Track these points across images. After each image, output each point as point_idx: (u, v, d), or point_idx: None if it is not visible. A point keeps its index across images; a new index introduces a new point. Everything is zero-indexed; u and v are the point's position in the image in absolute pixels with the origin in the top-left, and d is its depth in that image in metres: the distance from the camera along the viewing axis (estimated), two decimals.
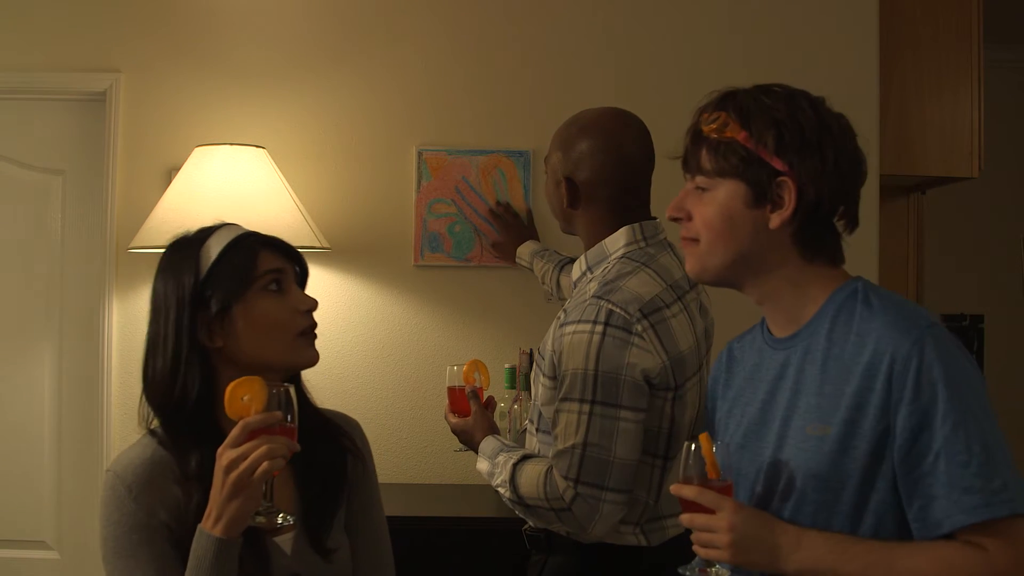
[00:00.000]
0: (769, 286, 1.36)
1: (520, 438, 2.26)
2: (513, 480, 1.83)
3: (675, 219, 1.40)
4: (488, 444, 1.94)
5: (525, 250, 2.85)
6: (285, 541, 1.49)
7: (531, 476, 1.80)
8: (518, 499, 1.82)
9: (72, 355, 3.11)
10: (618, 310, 1.75)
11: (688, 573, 1.34)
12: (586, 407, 1.74)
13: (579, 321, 1.77)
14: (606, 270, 1.86)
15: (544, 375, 1.86)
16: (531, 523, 1.92)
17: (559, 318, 1.86)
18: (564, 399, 1.77)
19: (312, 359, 1.55)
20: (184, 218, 2.37)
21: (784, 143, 1.30)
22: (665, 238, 1.94)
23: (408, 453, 3.05)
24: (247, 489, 1.30)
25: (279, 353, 1.50)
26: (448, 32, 3.10)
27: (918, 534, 1.23)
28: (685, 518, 1.31)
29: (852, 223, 1.37)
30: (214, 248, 1.50)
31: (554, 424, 1.79)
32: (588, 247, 1.93)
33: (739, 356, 1.48)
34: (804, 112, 1.31)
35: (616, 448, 1.73)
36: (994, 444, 1.20)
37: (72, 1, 3.05)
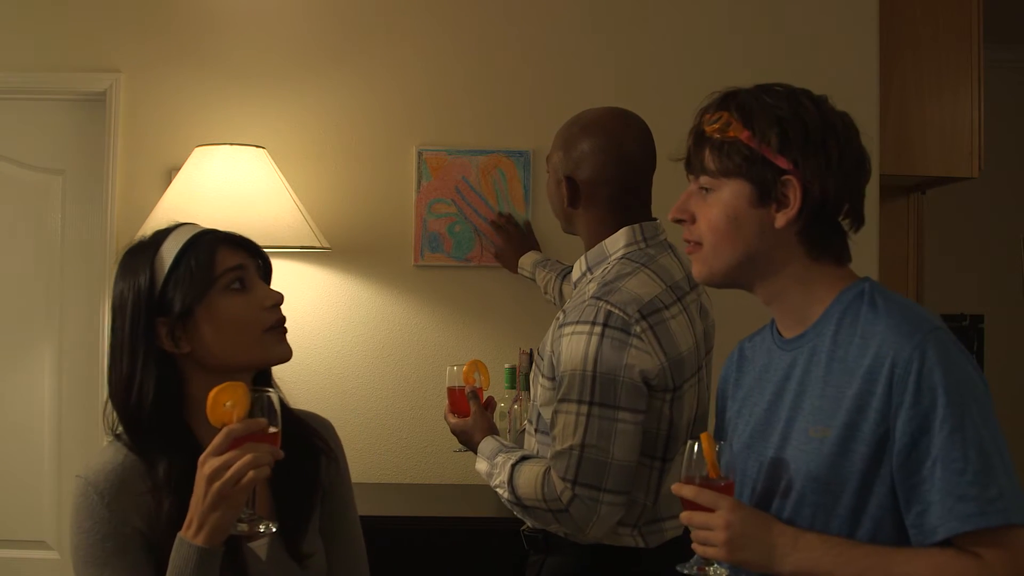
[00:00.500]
0: (776, 286, 1.35)
1: (519, 438, 2.26)
2: (511, 481, 1.82)
3: (678, 221, 1.39)
4: (487, 445, 1.94)
5: (527, 260, 2.86)
6: (260, 547, 1.46)
7: (529, 477, 1.80)
8: (516, 500, 1.82)
9: (72, 355, 3.11)
10: (617, 311, 1.75)
11: (687, 571, 1.34)
12: (584, 408, 1.73)
13: (578, 322, 1.77)
14: (606, 271, 1.86)
15: (543, 376, 1.86)
16: (529, 524, 1.92)
17: (558, 319, 1.86)
18: (562, 400, 1.77)
19: (285, 354, 1.50)
20: (184, 218, 2.36)
21: (788, 141, 1.29)
22: (666, 239, 1.94)
23: (408, 453, 3.05)
24: (231, 499, 1.27)
25: (249, 352, 1.46)
26: (448, 32, 3.10)
27: (915, 540, 1.22)
28: (684, 516, 1.31)
29: (858, 221, 1.36)
30: (170, 251, 1.45)
31: (552, 425, 1.79)
32: (588, 247, 1.93)
33: (750, 355, 1.47)
34: (807, 110, 1.31)
35: (614, 449, 1.73)
36: (993, 451, 1.19)
37: (72, 1, 3.05)
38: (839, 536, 1.25)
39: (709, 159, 1.34)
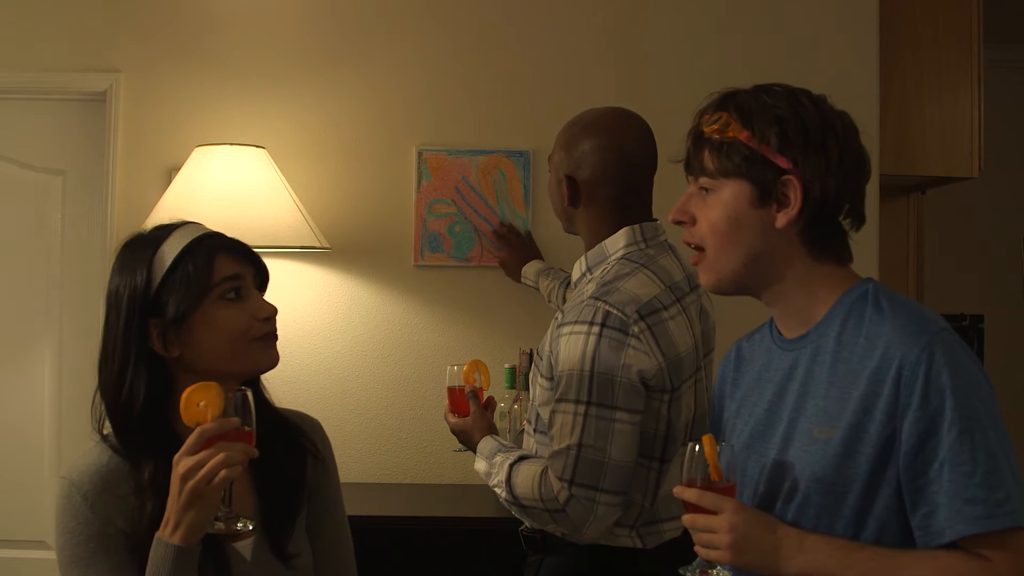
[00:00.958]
0: (777, 287, 1.35)
1: (519, 438, 2.26)
2: (509, 480, 1.82)
3: (679, 223, 1.38)
4: (486, 444, 1.94)
5: (530, 269, 2.88)
6: (245, 547, 1.46)
7: (527, 477, 1.80)
8: (514, 499, 1.82)
9: (72, 355, 3.11)
10: (615, 311, 1.74)
11: (689, 574, 1.34)
12: (581, 408, 1.73)
13: (576, 322, 1.77)
14: (605, 271, 1.86)
15: (542, 375, 1.86)
16: (528, 524, 1.92)
17: (556, 318, 1.86)
18: (560, 400, 1.76)
19: (272, 361, 1.51)
20: (184, 218, 2.36)
21: (788, 141, 1.28)
22: (666, 239, 1.94)
23: (408, 453, 3.04)
24: (204, 497, 1.29)
25: (237, 361, 1.47)
26: (448, 32, 3.10)
27: (920, 542, 1.22)
28: (687, 519, 1.30)
29: (858, 220, 1.36)
30: (169, 252, 1.45)
31: (550, 425, 1.79)
32: (588, 248, 1.93)
33: (748, 355, 1.47)
34: (806, 109, 1.30)
35: (611, 449, 1.73)
36: (1000, 454, 1.19)
37: (72, 1, 3.05)
38: (844, 538, 1.24)
39: (708, 160, 1.33)
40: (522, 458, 1.85)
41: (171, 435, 1.41)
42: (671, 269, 1.88)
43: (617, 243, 1.89)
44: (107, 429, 1.47)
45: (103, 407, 1.46)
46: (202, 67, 3.06)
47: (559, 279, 2.72)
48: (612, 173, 1.89)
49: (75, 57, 3.05)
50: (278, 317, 1.53)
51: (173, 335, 1.43)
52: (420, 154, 3.05)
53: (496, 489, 1.87)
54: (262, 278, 1.54)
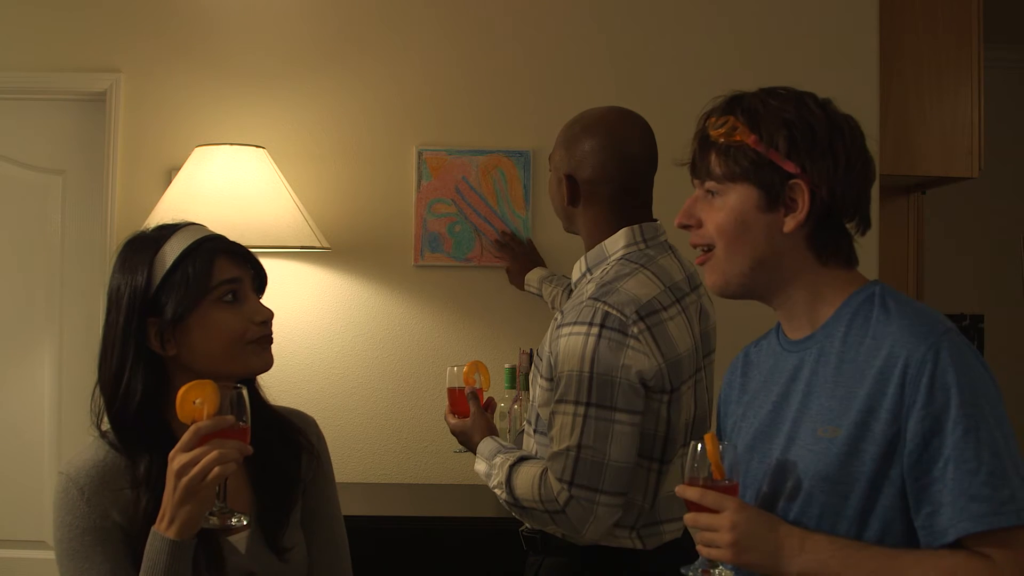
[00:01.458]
0: (784, 290, 1.35)
1: (519, 439, 2.26)
2: (509, 482, 1.82)
3: (685, 226, 1.37)
4: (486, 445, 1.93)
5: (533, 276, 2.89)
6: (239, 540, 1.49)
7: (527, 478, 1.80)
8: (514, 501, 1.82)
9: (72, 355, 3.11)
10: (614, 312, 1.74)
11: (691, 573, 1.33)
12: (581, 409, 1.73)
13: (575, 323, 1.76)
14: (605, 271, 1.85)
15: (541, 376, 1.86)
16: (528, 524, 1.92)
17: (556, 319, 1.86)
18: (559, 401, 1.76)
19: (266, 363, 1.54)
20: (184, 218, 2.36)
21: (796, 145, 1.28)
22: (666, 240, 1.93)
23: (408, 453, 3.04)
24: (199, 493, 1.31)
25: (231, 363, 1.49)
26: (448, 32, 3.10)
27: (924, 541, 1.21)
28: (689, 518, 1.29)
29: (864, 224, 1.35)
30: (170, 253, 1.48)
31: (550, 426, 1.79)
32: (588, 248, 1.93)
33: (755, 360, 1.46)
34: (813, 113, 1.30)
35: (611, 450, 1.73)
36: (1005, 453, 1.19)
37: (72, 1, 3.05)
38: (846, 538, 1.24)
39: (715, 163, 1.32)
40: (522, 459, 1.85)
41: (168, 431, 1.43)
42: (671, 269, 1.88)
43: (617, 243, 1.89)
44: (105, 425, 1.50)
45: (102, 402, 1.49)
46: (202, 67, 3.06)
47: (562, 285, 2.73)
48: (612, 173, 1.89)
49: (75, 57, 3.05)
50: (277, 317, 1.56)
51: (171, 335, 1.46)
52: (420, 154, 3.05)
53: (496, 490, 1.87)
54: (260, 281, 1.57)
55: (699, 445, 1.30)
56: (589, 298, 1.79)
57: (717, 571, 1.31)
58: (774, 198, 1.29)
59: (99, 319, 3.09)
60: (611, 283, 1.80)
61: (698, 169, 1.36)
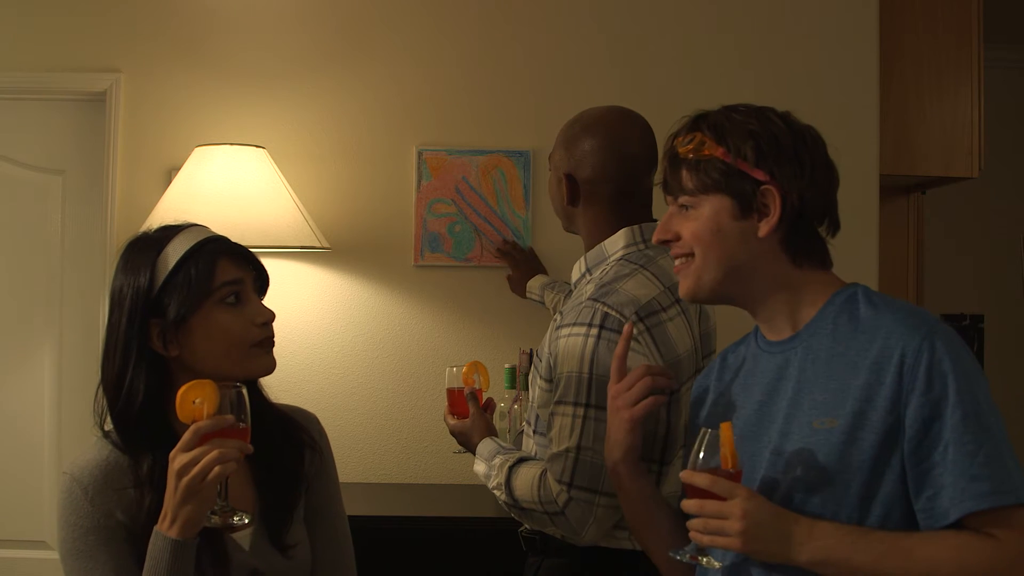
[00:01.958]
0: (762, 294, 1.39)
1: (518, 439, 2.26)
2: (508, 483, 1.82)
3: (664, 242, 1.43)
4: (485, 446, 1.93)
5: (535, 284, 2.89)
6: (243, 537, 1.50)
7: (526, 479, 1.79)
8: (513, 502, 1.82)
9: (72, 355, 3.11)
10: (613, 313, 1.74)
11: (679, 556, 1.34)
12: (580, 410, 1.73)
13: (574, 324, 1.76)
14: (604, 272, 1.85)
15: (541, 377, 1.86)
16: (527, 525, 1.91)
17: (556, 320, 1.86)
18: (559, 402, 1.76)
19: (268, 366, 1.54)
20: (184, 218, 2.36)
21: (763, 154, 1.34)
22: None
23: (408, 453, 3.05)
24: (200, 493, 1.32)
25: (234, 364, 1.49)
26: (448, 32, 3.10)
27: (924, 524, 1.24)
28: (693, 504, 1.28)
29: (834, 227, 1.41)
30: (173, 255, 1.48)
31: (549, 427, 1.79)
32: (588, 248, 1.93)
33: (732, 363, 1.50)
34: (776, 124, 1.36)
35: None
36: (1000, 437, 1.24)
37: (72, 1, 3.05)
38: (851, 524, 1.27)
39: (687, 179, 1.38)
40: (521, 460, 1.85)
41: (170, 431, 1.43)
42: (670, 270, 1.87)
43: (616, 244, 1.89)
44: (108, 425, 1.50)
45: (104, 402, 1.49)
46: (202, 67, 3.06)
47: (564, 292, 2.72)
48: (612, 172, 1.89)
49: (75, 57, 3.05)
50: (277, 317, 1.56)
51: (173, 336, 1.47)
52: (420, 154, 3.05)
53: (495, 491, 1.87)
54: (262, 283, 1.58)
55: (707, 433, 1.31)
56: (588, 299, 1.78)
57: (705, 560, 1.32)
58: (747, 205, 1.35)
59: (99, 319, 3.11)
60: (610, 284, 1.80)
61: (671, 187, 1.41)
